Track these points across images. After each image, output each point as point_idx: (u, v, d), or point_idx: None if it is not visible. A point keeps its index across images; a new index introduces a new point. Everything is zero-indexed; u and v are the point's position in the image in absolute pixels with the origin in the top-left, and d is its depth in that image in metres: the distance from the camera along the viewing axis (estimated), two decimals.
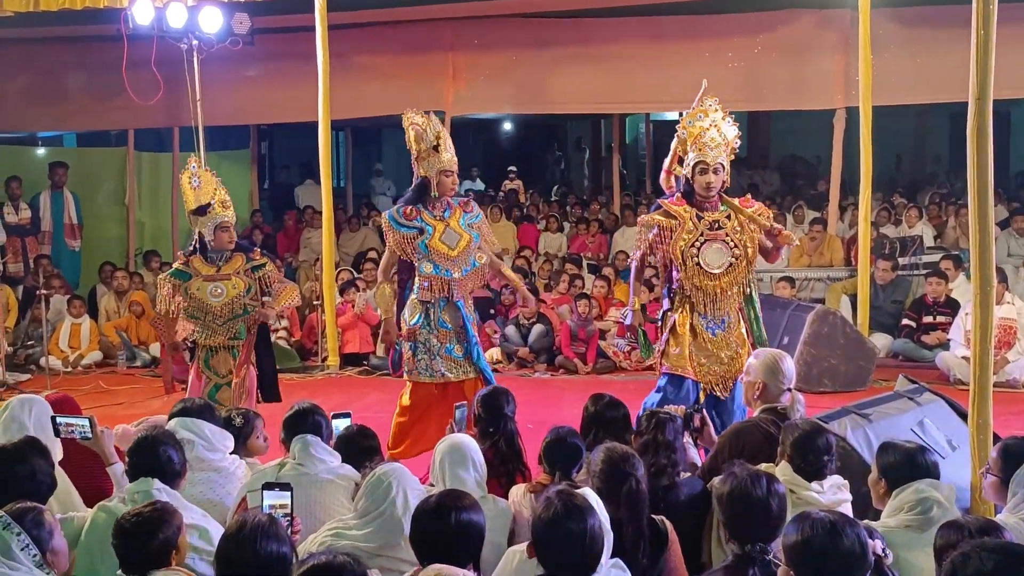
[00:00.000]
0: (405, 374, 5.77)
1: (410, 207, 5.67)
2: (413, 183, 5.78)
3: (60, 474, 4.05)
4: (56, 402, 4.81)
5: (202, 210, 5.82)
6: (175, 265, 6.00)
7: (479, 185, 18.74)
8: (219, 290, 5.82)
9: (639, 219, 5.74)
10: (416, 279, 5.70)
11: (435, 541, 2.99)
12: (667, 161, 5.63)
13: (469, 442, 3.97)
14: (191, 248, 5.99)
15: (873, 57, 8.55)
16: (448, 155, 5.67)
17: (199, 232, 5.91)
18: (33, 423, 4.30)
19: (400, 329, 5.76)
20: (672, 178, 5.66)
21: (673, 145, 5.55)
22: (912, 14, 10.36)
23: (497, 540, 3.66)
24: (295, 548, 3.03)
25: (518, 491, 4.03)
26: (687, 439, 4.38)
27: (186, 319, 5.89)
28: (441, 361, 5.69)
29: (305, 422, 4.17)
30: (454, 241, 5.69)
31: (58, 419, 4.32)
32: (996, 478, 3.68)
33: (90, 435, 4.27)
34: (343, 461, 4.10)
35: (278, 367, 9.22)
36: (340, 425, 4.58)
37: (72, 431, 4.29)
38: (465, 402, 4.98)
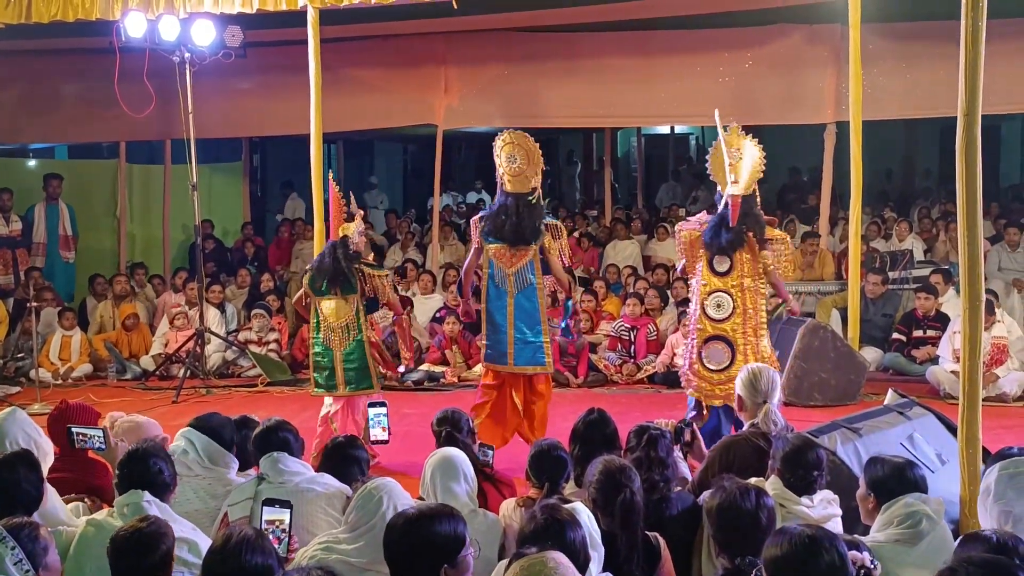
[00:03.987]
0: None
1: None
2: (526, 198, 6.32)
3: (49, 490, 4.04)
4: (74, 409, 4.79)
5: (351, 216, 6.71)
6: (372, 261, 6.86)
7: (485, 196, 18.79)
8: None
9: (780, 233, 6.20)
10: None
11: (395, 554, 2.97)
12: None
13: (460, 456, 3.96)
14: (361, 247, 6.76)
15: (863, 72, 8.59)
16: None
17: (348, 234, 6.63)
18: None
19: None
20: None
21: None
22: (902, 29, 10.41)
23: (487, 554, 3.66)
24: (282, 562, 3.02)
25: (508, 505, 4.04)
26: (677, 453, 4.39)
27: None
28: None
29: (274, 439, 4.13)
30: None
31: (74, 429, 4.46)
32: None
33: (104, 446, 4.41)
34: (330, 472, 4.09)
35: (269, 380, 9.32)
36: (373, 412, 4.78)
37: (86, 441, 4.44)
38: None
